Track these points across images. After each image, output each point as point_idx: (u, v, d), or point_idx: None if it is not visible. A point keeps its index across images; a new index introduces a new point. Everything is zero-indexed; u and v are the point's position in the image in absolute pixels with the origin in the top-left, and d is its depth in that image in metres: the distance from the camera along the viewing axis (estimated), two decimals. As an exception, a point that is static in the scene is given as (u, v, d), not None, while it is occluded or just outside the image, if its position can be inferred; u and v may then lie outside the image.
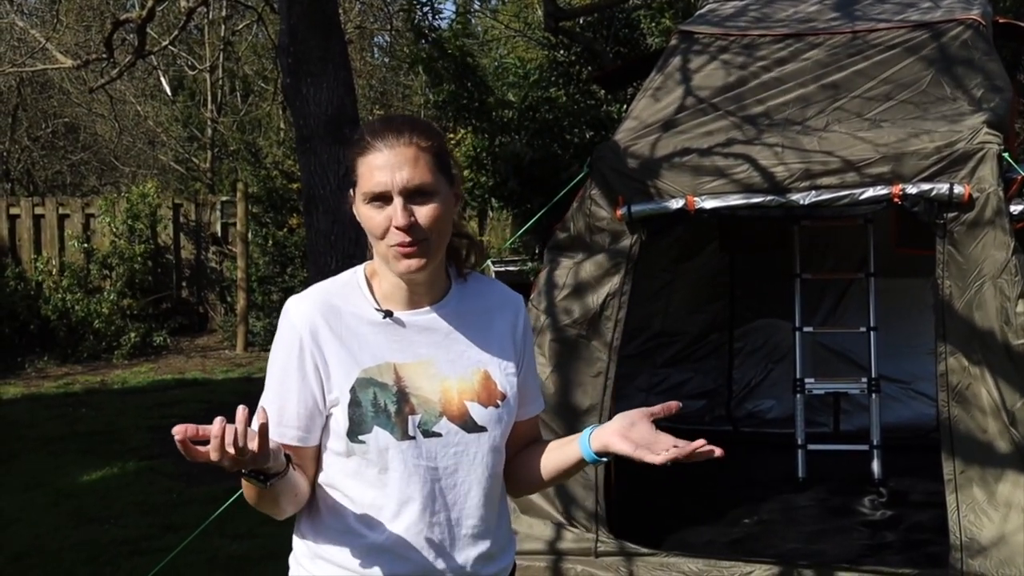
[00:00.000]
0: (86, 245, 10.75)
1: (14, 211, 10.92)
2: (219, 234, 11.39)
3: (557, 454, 1.90)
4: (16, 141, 14.94)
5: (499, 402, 1.83)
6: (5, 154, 14.77)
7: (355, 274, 1.86)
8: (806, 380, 5.47)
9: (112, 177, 16.20)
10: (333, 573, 1.81)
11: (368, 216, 1.74)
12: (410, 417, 1.76)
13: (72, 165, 15.98)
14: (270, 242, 10.86)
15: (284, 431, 1.77)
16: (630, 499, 4.54)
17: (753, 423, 6.29)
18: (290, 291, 10.62)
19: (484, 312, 1.87)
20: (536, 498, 4.06)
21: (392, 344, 1.79)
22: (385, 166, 1.71)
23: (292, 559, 1.89)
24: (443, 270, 1.85)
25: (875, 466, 5.28)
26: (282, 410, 1.77)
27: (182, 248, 11.31)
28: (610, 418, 1.86)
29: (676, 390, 6.38)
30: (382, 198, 1.72)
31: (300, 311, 1.79)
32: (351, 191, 1.80)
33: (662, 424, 1.80)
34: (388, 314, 1.80)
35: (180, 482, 6.11)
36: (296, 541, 1.88)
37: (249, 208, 10.88)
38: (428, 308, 1.83)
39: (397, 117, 1.81)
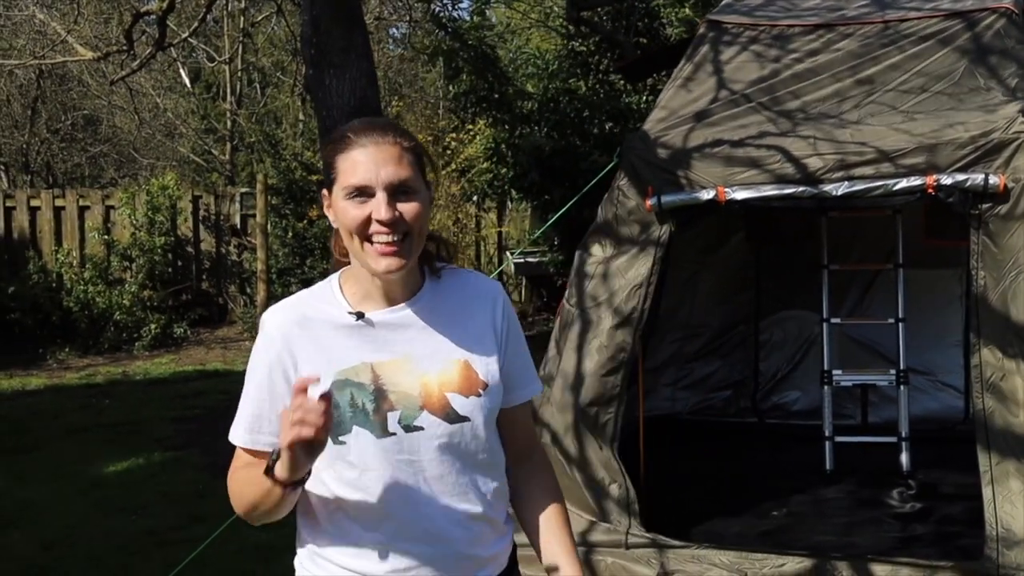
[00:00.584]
0: (107, 237, 10.79)
1: (35, 203, 10.98)
2: (239, 226, 11.42)
3: (544, 538, 1.94)
4: (36, 133, 15.02)
5: (480, 391, 1.83)
6: (25, 146, 14.84)
7: (329, 282, 1.88)
8: (834, 372, 5.44)
9: (131, 169, 16.26)
10: (333, 572, 1.82)
11: (345, 210, 1.74)
12: (389, 414, 1.77)
13: (91, 157, 16.04)
14: (290, 234, 10.88)
15: (258, 438, 1.81)
16: (659, 491, 4.53)
17: (779, 415, 6.26)
18: (310, 282, 10.55)
19: (460, 303, 1.88)
20: (568, 491, 4.06)
21: (367, 344, 1.80)
22: (369, 161, 1.72)
23: (296, 561, 1.91)
24: (416, 267, 1.85)
25: (904, 458, 5.24)
26: (259, 419, 1.81)
27: (202, 240, 11.34)
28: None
29: (703, 383, 6.37)
30: (364, 193, 1.72)
31: (275, 322, 1.83)
32: (323, 191, 1.81)
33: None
34: (360, 316, 1.81)
35: (205, 473, 6.13)
36: (298, 542, 1.90)
37: (269, 200, 10.90)
38: (403, 305, 1.83)
39: (378, 119, 1.84)
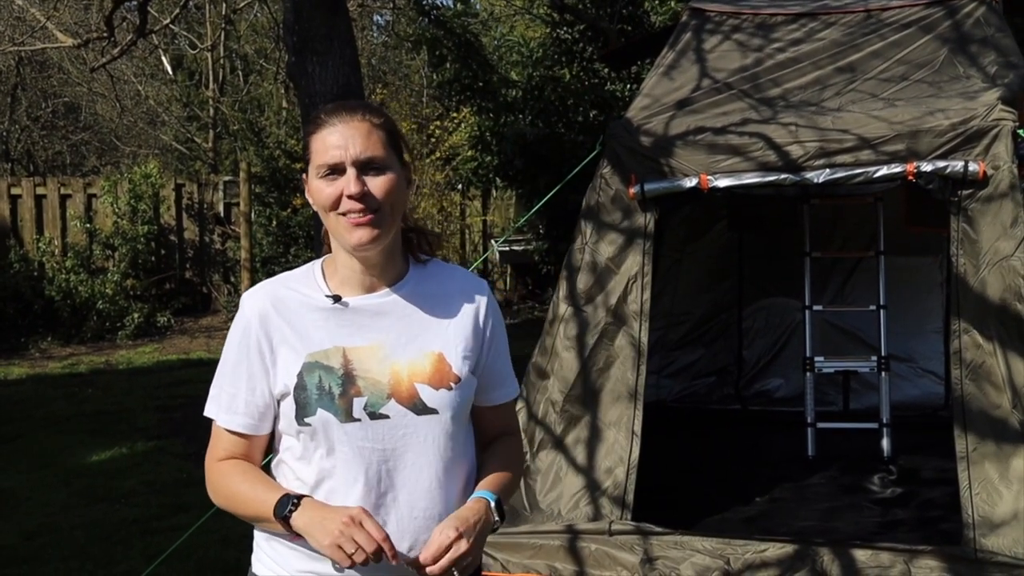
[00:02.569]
0: (88, 226, 10.73)
1: (15, 191, 10.89)
2: (222, 214, 11.36)
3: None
4: (16, 121, 14.89)
5: (452, 385, 1.82)
6: (5, 134, 14.71)
7: (312, 265, 1.89)
8: (816, 358, 5.47)
9: (113, 157, 16.14)
10: (286, 553, 1.82)
11: (319, 189, 1.77)
12: (355, 399, 1.77)
13: (73, 145, 15.92)
14: (273, 222, 10.84)
15: (234, 418, 1.82)
16: (642, 478, 4.54)
17: (762, 402, 6.30)
18: (294, 271, 10.63)
19: (443, 296, 1.87)
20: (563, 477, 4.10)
21: (342, 328, 1.81)
22: (339, 138, 1.76)
23: (255, 543, 1.90)
24: (399, 254, 1.86)
25: (885, 444, 5.28)
26: (233, 398, 1.83)
27: (185, 229, 11.29)
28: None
29: (686, 370, 6.39)
30: (335, 170, 1.75)
31: (252, 302, 1.84)
32: (303, 174, 1.84)
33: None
34: (337, 299, 1.82)
35: (189, 462, 6.11)
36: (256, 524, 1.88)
37: (252, 188, 10.85)
38: (384, 291, 1.83)
39: (351, 101, 1.87)
